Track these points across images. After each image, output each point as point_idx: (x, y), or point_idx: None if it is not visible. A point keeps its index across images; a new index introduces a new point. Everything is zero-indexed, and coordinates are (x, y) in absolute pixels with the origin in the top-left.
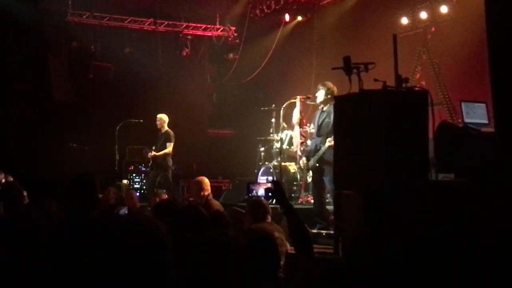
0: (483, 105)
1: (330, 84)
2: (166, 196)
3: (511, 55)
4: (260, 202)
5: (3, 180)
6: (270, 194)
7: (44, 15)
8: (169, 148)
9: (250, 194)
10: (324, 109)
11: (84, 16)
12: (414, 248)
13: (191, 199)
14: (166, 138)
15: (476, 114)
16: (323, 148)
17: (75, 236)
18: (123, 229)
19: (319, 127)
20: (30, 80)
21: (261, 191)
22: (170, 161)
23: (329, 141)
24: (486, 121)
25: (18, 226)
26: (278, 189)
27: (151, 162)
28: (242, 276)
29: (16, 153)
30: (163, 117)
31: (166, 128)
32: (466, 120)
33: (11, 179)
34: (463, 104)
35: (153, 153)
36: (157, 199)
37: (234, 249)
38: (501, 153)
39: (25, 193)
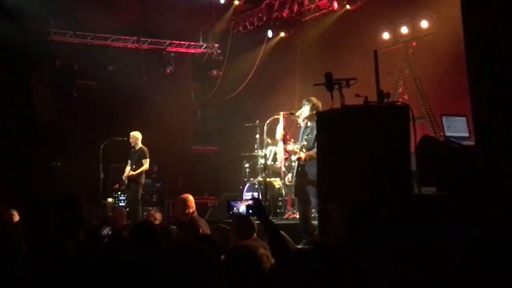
0: (464, 118)
1: (314, 100)
2: (160, 214)
3: (488, 69)
4: (246, 219)
5: None
6: (251, 211)
7: (26, 35)
8: (146, 164)
9: (231, 212)
10: (309, 124)
11: (67, 35)
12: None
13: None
14: (141, 155)
15: (457, 128)
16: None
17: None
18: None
19: None
20: (13, 100)
21: (242, 208)
22: (143, 178)
23: (302, 153)
24: (467, 134)
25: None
26: (258, 205)
27: (127, 181)
28: None
29: None
30: (136, 134)
31: (140, 145)
32: (447, 134)
33: None
34: (444, 118)
35: (130, 172)
36: (155, 217)
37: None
38: (482, 166)
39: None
